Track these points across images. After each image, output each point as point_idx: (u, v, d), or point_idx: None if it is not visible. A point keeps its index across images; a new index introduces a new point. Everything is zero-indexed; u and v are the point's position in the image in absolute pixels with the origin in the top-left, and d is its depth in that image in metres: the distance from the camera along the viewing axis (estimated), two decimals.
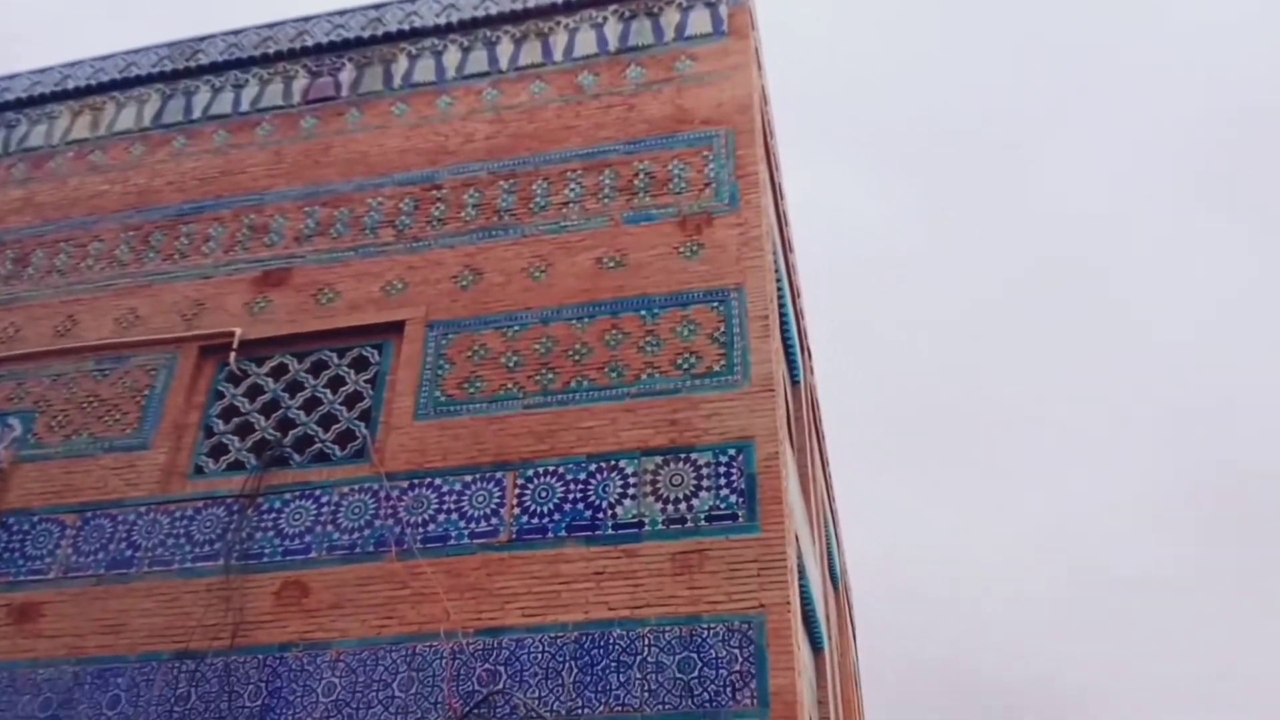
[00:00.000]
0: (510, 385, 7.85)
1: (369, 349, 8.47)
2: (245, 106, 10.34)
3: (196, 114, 10.45)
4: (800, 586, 8.42)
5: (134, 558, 7.77)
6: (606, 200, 8.64)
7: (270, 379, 8.56)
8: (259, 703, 6.94)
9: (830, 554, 14.39)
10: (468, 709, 6.48)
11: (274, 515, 7.73)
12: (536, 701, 6.52)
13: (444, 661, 6.75)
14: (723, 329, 7.73)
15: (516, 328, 8.13)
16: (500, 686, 6.58)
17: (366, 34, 10.39)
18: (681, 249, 8.20)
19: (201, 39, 11.05)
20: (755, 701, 6.26)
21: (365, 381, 8.34)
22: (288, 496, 7.79)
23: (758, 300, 7.80)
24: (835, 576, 15.45)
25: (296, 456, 8.11)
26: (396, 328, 8.41)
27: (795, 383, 10.56)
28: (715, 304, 7.87)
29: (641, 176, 8.69)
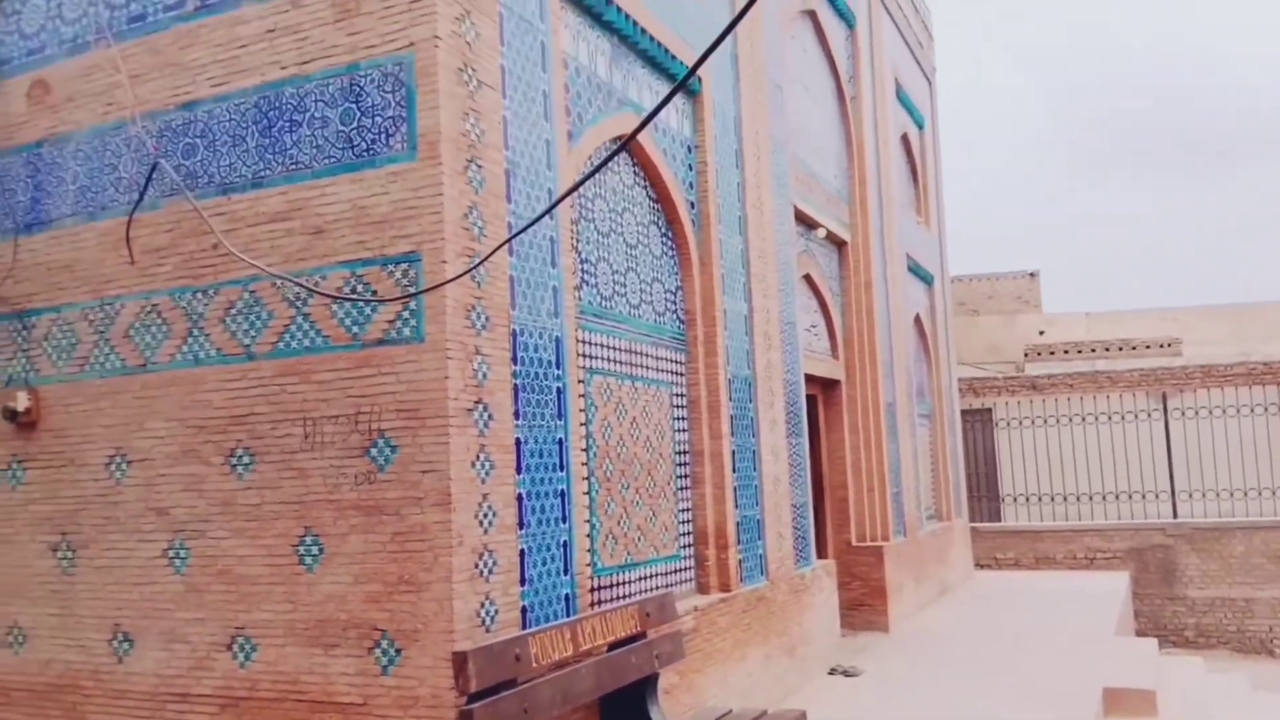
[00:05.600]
0: None
1: None
2: None
3: None
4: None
5: None
6: None
7: None
8: (28, 197, 7.43)
9: None
10: (144, 184, 6.67)
11: (16, 18, 7.63)
12: (227, 169, 6.59)
13: (139, 143, 6.85)
14: None
15: None
16: (181, 160, 6.67)
17: None
18: None
19: None
20: (405, 145, 6.03)
21: None
22: None
23: None
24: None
25: None
26: None
27: None
28: None
29: None
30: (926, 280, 18.63)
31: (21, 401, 7.14)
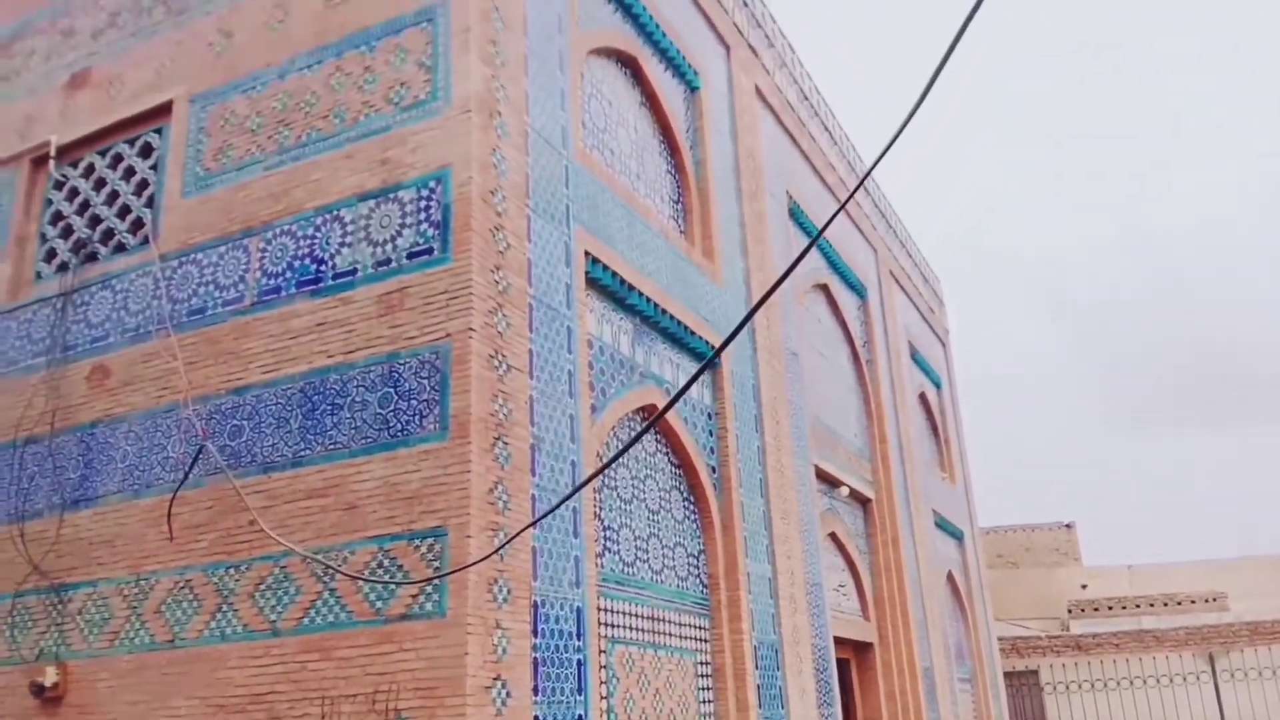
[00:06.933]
0: (254, 149, 7.83)
1: (152, 134, 8.64)
2: None
3: None
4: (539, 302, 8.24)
5: None
6: None
7: (83, 179, 8.96)
8: (78, 474, 7.81)
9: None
10: (191, 464, 7.04)
11: (84, 308, 8.34)
12: (270, 449, 6.97)
13: (188, 425, 7.28)
14: (429, 51, 7.27)
15: (259, 87, 7.99)
16: (228, 441, 7.08)
17: None
18: None
19: None
20: (437, 425, 6.40)
21: (150, 167, 8.57)
22: (94, 289, 8.34)
23: (461, 12, 7.22)
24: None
25: (104, 250, 8.59)
26: (168, 109, 8.49)
27: None
28: (424, 24, 7.36)
29: None
30: (956, 536, 18.50)
31: (50, 676, 7.19)
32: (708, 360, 4.45)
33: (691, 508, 9.37)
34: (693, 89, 10.96)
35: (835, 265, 14.77)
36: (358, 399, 6.74)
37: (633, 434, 8.57)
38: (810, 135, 14.50)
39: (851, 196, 4.36)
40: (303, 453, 6.83)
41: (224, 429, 7.21)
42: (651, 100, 10.16)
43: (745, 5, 12.63)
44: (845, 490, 13.63)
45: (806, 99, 14.59)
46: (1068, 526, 46.21)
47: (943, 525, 17.58)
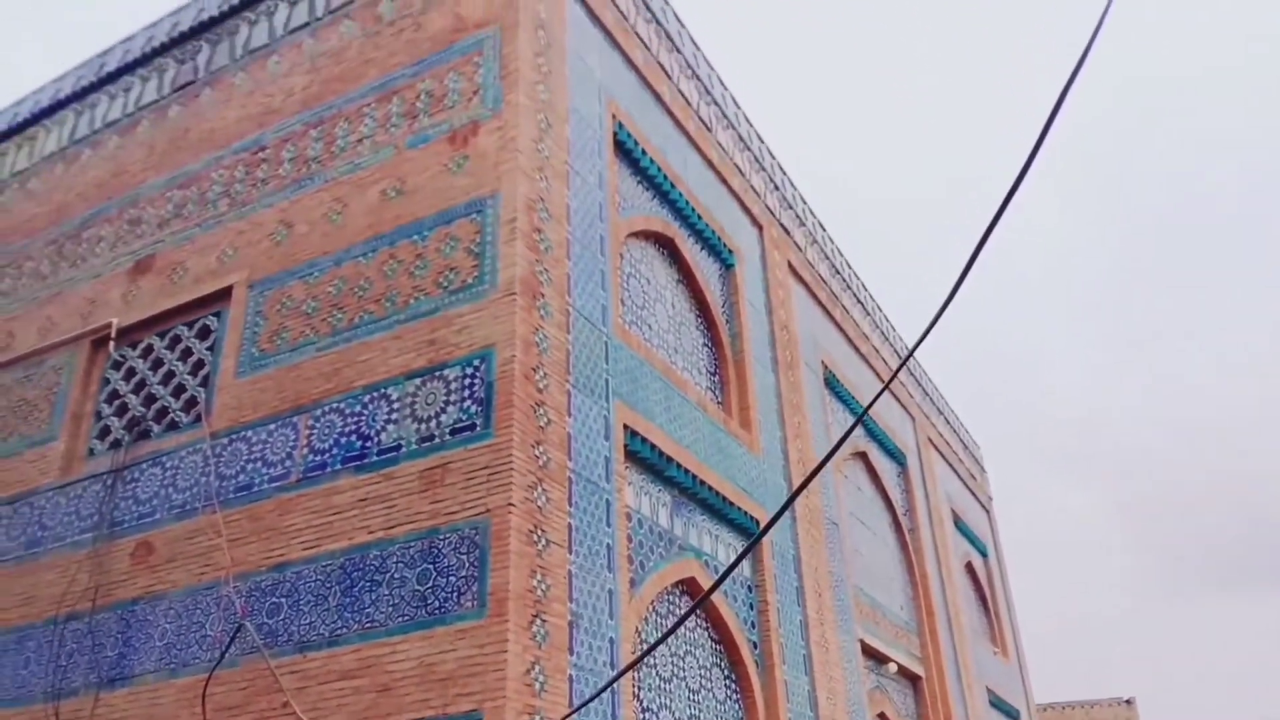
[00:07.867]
0: (308, 331, 8.15)
1: (211, 318, 9.03)
2: (131, 108, 11.03)
3: (98, 125, 11.27)
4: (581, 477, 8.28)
5: (42, 537, 8.82)
6: (394, 129, 8.63)
7: (141, 360, 9.32)
8: (116, 652, 7.79)
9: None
10: (228, 643, 7.01)
11: (133, 485, 8.52)
12: (307, 627, 6.94)
13: (228, 603, 7.29)
14: (478, 240, 7.63)
15: (316, 274, 8.38)
16: (265, 619, 7.06)
17: (219, 10, 10.75)
18: (450, 165, 8.11)
19: (105, 51, 11.84)
20: (475, 602, 6.37)
21: (207, 349, 8.92)
22: (145, 466, 8.54)
23: (509, 205, 7.61)
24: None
25: (156, 427, 8.84)
26: (228, 293, 8.90)
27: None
28: (474, 215, 7.76)
29: (423, 97, 8.60)
30: (1012, 715, 17.65)
31: None
32: (751, 543, 4.44)
33: (733, 686, 9.10)
34: (728, 266, 11.33)
35: (873, 433, 14.77)
36: (397, 575, 6.74)
37: (671, 608, 8.44)
38: (843, 307, 14.79)
39: (895, 377, 4.45)
40: (339, 631, 6.79)
41: (263, 606, 7.21)
42: (688, 278, 10.50)
43: (777, 189, 13.17)
44: (893, 667, 13.17)
45: (838, 273, 14.97)
46: (1128, 702, 43.93)
47: (997, 704, 16.81)
